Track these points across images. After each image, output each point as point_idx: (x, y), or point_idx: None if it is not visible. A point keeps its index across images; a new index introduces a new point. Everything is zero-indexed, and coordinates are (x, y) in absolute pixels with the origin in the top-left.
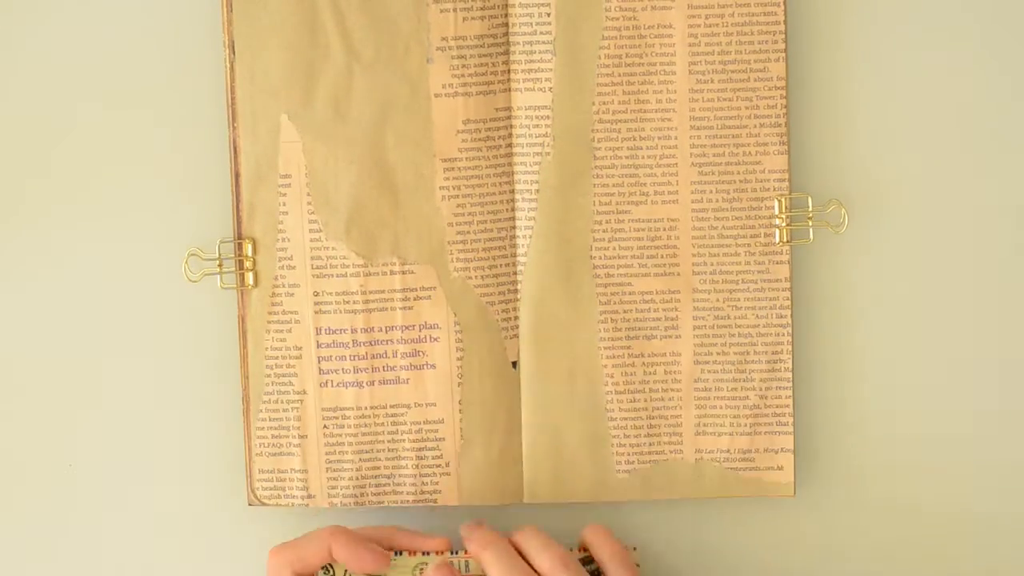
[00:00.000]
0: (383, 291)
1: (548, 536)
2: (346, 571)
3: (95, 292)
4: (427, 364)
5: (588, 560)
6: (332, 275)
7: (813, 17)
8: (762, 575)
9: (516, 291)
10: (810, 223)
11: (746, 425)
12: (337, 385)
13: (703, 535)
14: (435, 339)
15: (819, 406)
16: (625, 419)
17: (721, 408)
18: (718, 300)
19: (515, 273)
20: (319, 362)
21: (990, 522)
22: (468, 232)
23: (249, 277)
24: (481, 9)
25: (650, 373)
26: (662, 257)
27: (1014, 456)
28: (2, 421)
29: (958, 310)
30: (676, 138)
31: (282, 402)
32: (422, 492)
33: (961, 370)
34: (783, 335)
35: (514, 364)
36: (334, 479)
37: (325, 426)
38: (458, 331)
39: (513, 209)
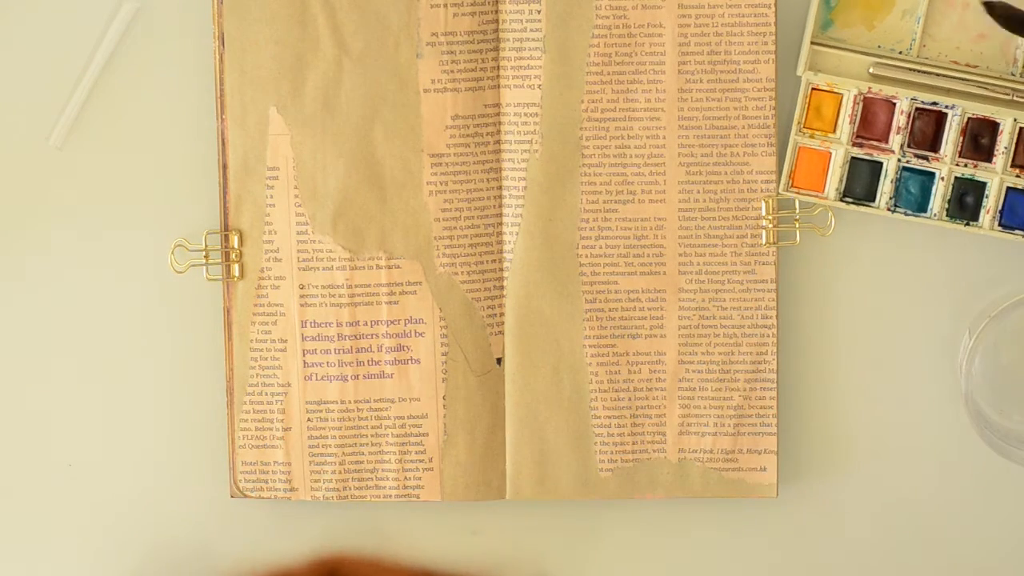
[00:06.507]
0: (369, 285)
1: None
2: None
3: (80, 282)
4: (411, 359)
5: None
6: (318, 268)
7: (803, 20)
8: (743, 574)
9: (502, 288)
10: (797, 225)
11: (730, 425)
12: (321, 378)
13: (685, 533)
14: (420, 334)
15: (803, 408)
16: (609, 418)
17: (705, 408)
18: (703, 300)
19: (501, 270)
20: (304, 355)
21: (972, 520)
22: (455, 228)
23: (235, 269)
24: (472, 5)
25: (634, 372)
26: (648, 256)
27: (997, 455)
28: None
29: (942, 313)
30: (664, 137)
31: (266, 395)
32: (405, 487)
33: (945, 372)
34: (768, 336)
35: (499, 361)
36: (317, 472)
37: (309, 419)
38: (443, 326)
39: (500, 206)
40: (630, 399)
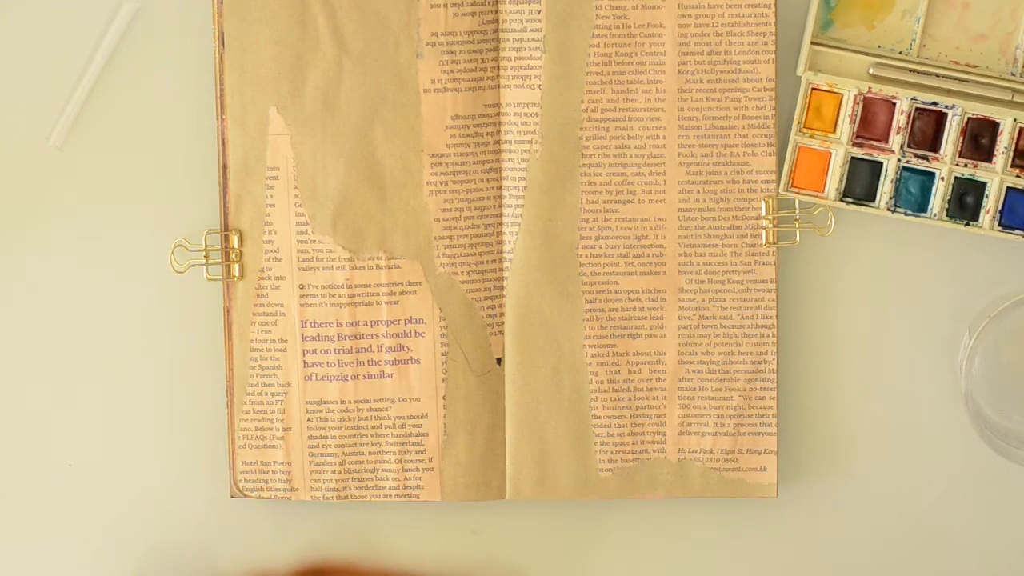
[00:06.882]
0: (369, 285)
1: None
2: None
3: (80, 282)
4: (411, 359)
5: None
6: (318, 268)
7: (803, 20)
8: (743, 574)
9: (502, 287)
10: (797, 225)
11: (730, 425)
12: (321, 378)
13: (685, 533)
14: (420, 334)
15: (803, 408)
16: (609, 418)
17: (705, 408)
18: (703, 300)
19: (501, 270)
20: (304, 355)
21: (972, 520)
22: (455, 228)
23: (235, 269)
24: (472, 5)
25: (634, 372)
26: (648, 256)
27: (997, 455)
28: None
29: (942, 313)
30: (664, 137)
31: (266, 395)
32: (405, 487)
33: (945, 372)
34: (768, 336)
35: (499, 361)
36: (317, 472)
37: (309, 419)
38: (443, 326)
39: (500, 206)
40: (630, 399)
